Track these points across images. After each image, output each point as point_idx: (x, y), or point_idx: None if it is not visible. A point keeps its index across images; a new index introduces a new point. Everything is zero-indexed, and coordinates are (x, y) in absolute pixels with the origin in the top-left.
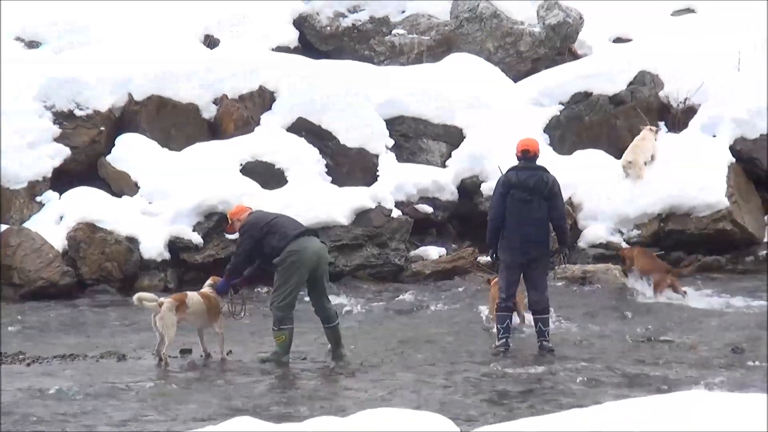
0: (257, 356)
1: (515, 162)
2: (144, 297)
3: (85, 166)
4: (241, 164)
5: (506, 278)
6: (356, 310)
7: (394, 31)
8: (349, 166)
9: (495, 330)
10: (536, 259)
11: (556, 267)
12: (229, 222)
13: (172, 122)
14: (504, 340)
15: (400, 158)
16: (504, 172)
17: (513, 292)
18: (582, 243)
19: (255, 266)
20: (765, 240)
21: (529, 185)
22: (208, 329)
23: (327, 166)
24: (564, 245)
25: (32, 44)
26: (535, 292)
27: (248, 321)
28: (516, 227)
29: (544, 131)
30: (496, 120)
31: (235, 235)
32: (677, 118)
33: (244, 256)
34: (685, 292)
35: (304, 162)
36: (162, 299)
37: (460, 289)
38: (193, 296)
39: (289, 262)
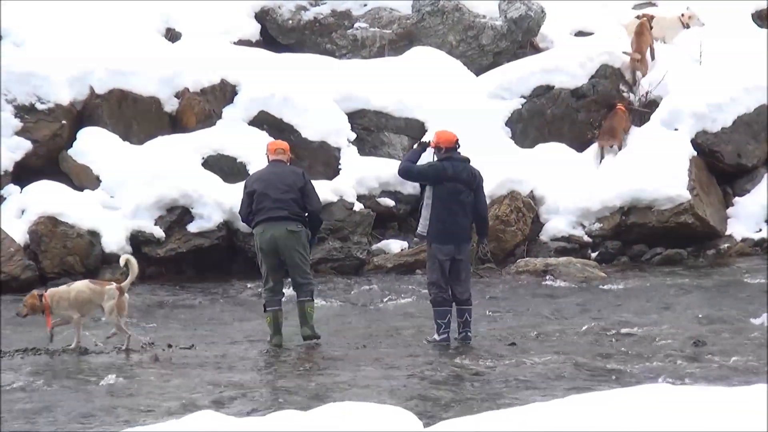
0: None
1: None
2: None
3: (47, 159)
4: (203, 158)
5: (440, 270)
6: (318, 304)
7: (356, 25)
8: (311, 159)
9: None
10: (463, 250)
11: (480, 254)
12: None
13: (133, 116)
14: (446, 335)
15: (362, 152)
16: (437, 161)
17: (446, 283)
18: (544, 236)
19: None
20: (727, 233)
21: (463, 178)
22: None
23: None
24: (485, 236)
25: None
26: (462, 282)
27: (209, 313)
28: (448, 218)
29: (506, 125)
30: (458, 113)
31: None
32: (639, 111)
33: (239, 209)
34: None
35: (265, 155)
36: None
37: (422, 283)
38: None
39: (255, 246)
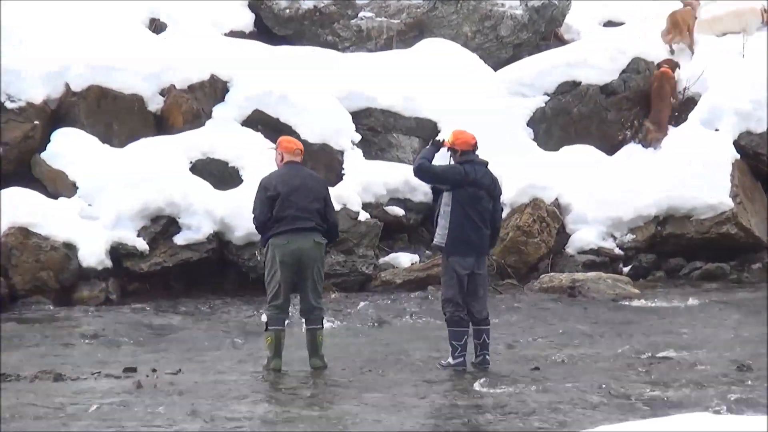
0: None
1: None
2: None
3: (18, 164)
4: (191, 162)
5: (458, 285)
6: None
7: (360, 14)
8: (312, 163)
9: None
10: (482, 263)
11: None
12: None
13: (114, 115)
14: (461, 359)
15: (368, 155)
16: (457, 163)
17: (464, 300)
18: (570, 249)
19: None
20: None
21: (485, 184)
22: None
23: None
24: (493, 246)
25: None
26: (480, 300)
27: (198, 334)
28: (470, 227)
29: (528, 124)
30: (474, 112)
31: None
32: (676, 109)
33: (256, 212)
34: None
35: (260, 159)
36: None
37: (435, 300)
38: None
39: (269, 257)
